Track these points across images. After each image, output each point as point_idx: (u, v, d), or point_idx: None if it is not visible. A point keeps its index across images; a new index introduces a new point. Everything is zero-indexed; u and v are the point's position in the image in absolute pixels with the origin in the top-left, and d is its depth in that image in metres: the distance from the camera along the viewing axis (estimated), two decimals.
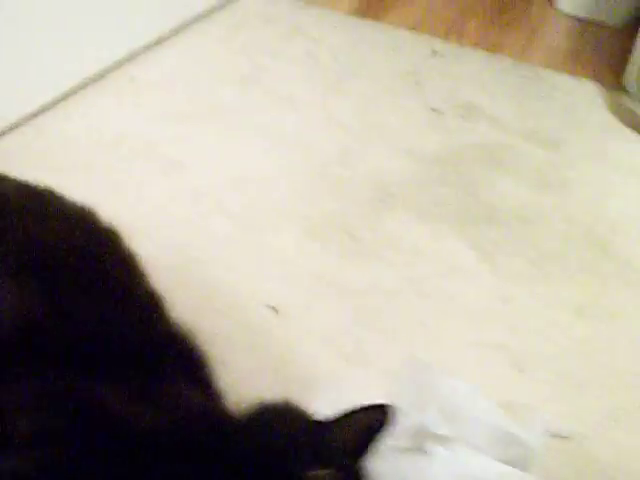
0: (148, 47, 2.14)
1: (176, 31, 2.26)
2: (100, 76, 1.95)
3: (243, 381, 0.95)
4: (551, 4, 2.83)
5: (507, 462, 0.98)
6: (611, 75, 2.37)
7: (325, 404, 0.89)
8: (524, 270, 1.52)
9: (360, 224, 1.57)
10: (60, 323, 0.81)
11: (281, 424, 0.78)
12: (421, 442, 0.97)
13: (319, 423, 0.80)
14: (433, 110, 2.12)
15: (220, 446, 0.73)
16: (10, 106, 1.69)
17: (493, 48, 2.47)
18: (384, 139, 1.95)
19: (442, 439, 0.97)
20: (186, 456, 0.70)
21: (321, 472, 0.73)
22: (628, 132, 2.09)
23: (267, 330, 1.25)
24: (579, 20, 2.77)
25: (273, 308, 1.28)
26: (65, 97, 1.83)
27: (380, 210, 1.63)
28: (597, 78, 2.36)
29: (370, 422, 0.82)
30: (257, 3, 2.56)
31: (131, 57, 2.08)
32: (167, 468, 0.69)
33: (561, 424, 1.11)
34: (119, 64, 2.02)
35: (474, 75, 2.34)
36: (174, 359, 0.86)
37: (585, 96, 2.28)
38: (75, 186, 1.07)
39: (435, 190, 1.74)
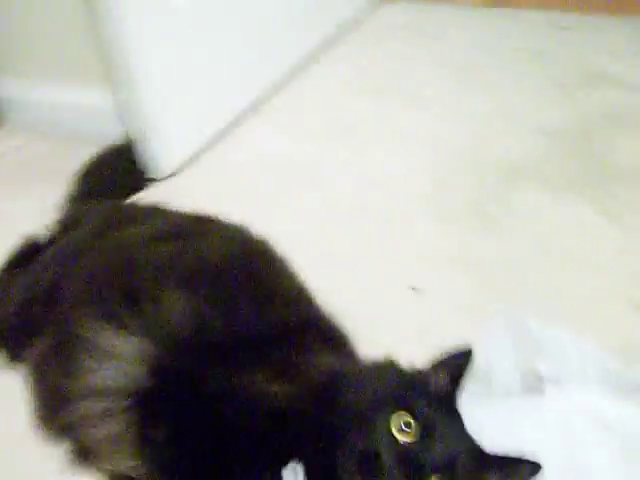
0: (290, 75, 2.43)
1: (311, 58, 2.52)
2: (252, 108, 2.25)
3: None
4: None
5: (620, 397, 1.00)
6: None
7: None
8: None
9: (491, 204, 1.67)
10: (225, 321, 0.97)
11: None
12: (531, 384, 1.04)
13: (419, 372, 0.92)
14: (560, 84, 2.18)
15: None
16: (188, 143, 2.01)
17: (621, 11, 2.47)
18: (512, 120, 2.04)
19: (552, 380, 1.03)
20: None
21: None
22: None
23: (409, 308, 1.37)
24: None
25: (414, 288, 1.41)
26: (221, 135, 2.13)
27: (510, 188, 1.72)
28: None
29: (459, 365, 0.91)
30: (380, 18, 2.76)
31: (276, 87, 2.36)
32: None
33: None
34: (269, 93, 2.32)
35: (601, 42, 2.34)
36: (316, 337, 1.00)
37: None
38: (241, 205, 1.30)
39: (562, 161, 1.80)
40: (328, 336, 1.05)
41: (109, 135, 1.95)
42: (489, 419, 0.97)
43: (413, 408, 0.81)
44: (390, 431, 0.79)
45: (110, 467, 0.94)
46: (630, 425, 0.97)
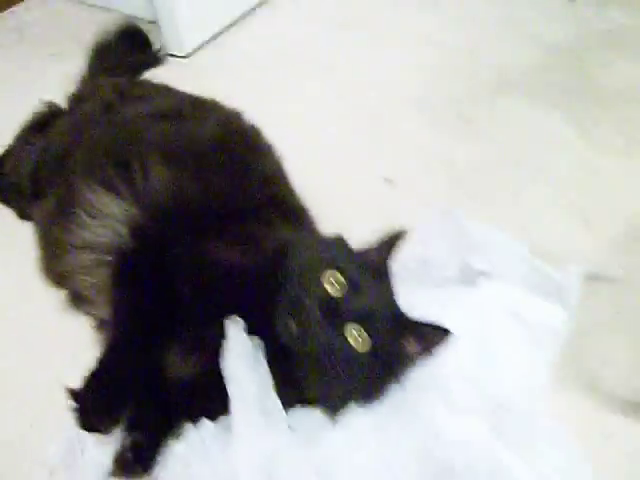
0: None
1: None
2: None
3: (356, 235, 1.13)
4: None
5: (541, 295, 1.13)
6: None
7: None
8: (619, 146, 1.65)
9: (475, 108, 1.78)
10: (202, 195, 1.08)
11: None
12: (467, 276, 1.17)
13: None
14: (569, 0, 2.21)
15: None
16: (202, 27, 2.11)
17: None
18: (515, 31, 2.09)
19: (484, 274, 1.16)
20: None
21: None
22: None
23: (379, 197, 1.51)
24: None
25: (387, 179, 1.55)
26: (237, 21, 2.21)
27: (495, 95, 1.81)
28: None
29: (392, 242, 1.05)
30: None
31: None
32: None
33: (610, 270, 1.27)
34: None
35: None
36: (280, 213, 1.12)
37: None
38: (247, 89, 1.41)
39: (552, 75, 1.88)
40: (292, 214, 1.18)
41: (135, 9, 2.10)
42: (424, 301, 1.10)
43: (345, 269, 0.95)
44: (321, 284, 0.92)
45: (98, 313, 1.10)
46: (540, 318, 1.11)
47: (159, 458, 0.97)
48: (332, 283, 0.93)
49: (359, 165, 1.61)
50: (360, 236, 1.08)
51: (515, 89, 1.84)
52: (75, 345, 1.13)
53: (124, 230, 1.05)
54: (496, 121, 1.75)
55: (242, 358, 0.92)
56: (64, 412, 0.91)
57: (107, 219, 1.07)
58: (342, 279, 0.94)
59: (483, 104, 1.80)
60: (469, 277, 1.19)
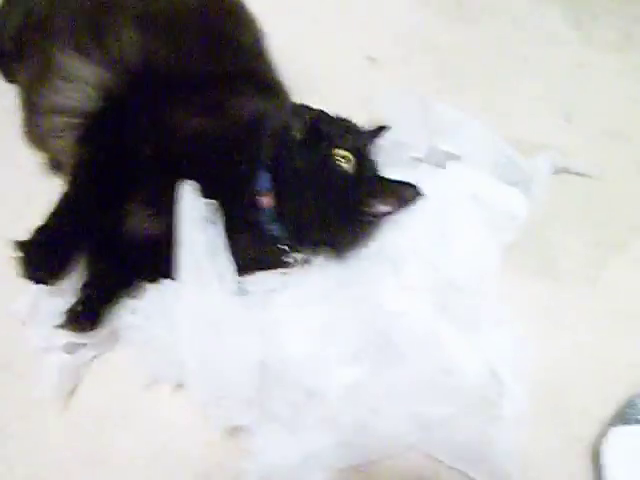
0: None
1: None
2: None
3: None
4: None
5: (507, 182, 1.15)
6: None
7: None
8: (614, 42, 1.61)
9: None
10: (174, 60, 1.08)
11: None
12: (435, 159, 1.18)
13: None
14: None
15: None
16: None
17: None
18: None
19: (451, 156, 1.17)
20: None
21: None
22: None
23: (360, 75, 1.49)
24: None
25: (370, 57, 1.52)
26: None
27: None
28: None
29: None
30: None
31: None
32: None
33: (584, 166, 1.29)
34: None
35: None
36: (252, 85, 1.12)
37: None
38: None
39: None
40: (265, 86, 1.18)
41: None
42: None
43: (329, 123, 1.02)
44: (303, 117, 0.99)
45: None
46: (500, 203, 1.13)
47: (111, 314, 1.02)
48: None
49: (343, 42, 1.58)
50: (336, 109, 1.08)
51: None
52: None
53: (95, 94, 1.06)
54: (490, 7, 1.70)
55: (192, 220, 0.95)
56: None
57: (78, 83, 1.07)
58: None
59: None
60: (438, 160, 1.20)
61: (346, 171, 0.99)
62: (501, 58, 1.57)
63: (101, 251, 1.01)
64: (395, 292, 0.99)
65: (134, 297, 1.04)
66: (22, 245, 0.94)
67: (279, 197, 1.01)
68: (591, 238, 1.22)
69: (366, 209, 1.03)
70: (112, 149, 1.02)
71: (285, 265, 1.09)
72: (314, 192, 0.99)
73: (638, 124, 1.44)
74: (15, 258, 0.92)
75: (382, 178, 1.06)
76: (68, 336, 0.98)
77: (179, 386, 0.99)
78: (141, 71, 1.07)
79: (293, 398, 0.92)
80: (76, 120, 1.06)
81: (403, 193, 1.05)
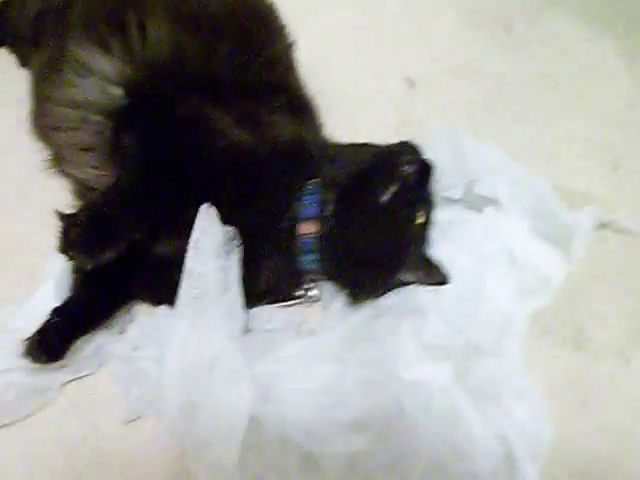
0: None
1: None
2: None
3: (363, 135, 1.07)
4: None
5: (545, 236, 1.06)
6: None
7: None
8: None
9: (519, 18, 1.60)
10: (204, 59, 1.03)
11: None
12: (472, 200, 1.10)
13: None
14: None
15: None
16: None
17: None
18: None
19: (488, 200, 1.08)
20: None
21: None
22: None
23: (396, 98, 1.40)
24: None
25: (408, 79, 1.43)
26: None
27: (543, 6, 1.63)
28: None
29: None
30: None
31: None
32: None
33: (627, 222, 1.17)
34: None
35: None
36: (285, 102, 1.07)
37: None
38: None
39: None
40: (297, 103, 1.12)
41: None
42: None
43: None
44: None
45: (77, 174, 1.06)
46: (537, 264, 1.03)
47: (90, 339, 0.95)
48: None
49: (379, 60, 1.49)
50: (368, 132, 1.04)
51: (566, 3, 1.65)
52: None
53: (118, 90, 1.01)
54: (541, 35, 1.59)
55: (206, 249, 0.89)
56: None
57: (95, 77, 1.02)
58: None
59: (528, 13, 1.63)
60: (474, 203, 1.11)
61: (417, 226, 0.95)
62: (547, 92, 1.46)
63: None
64: (412, 356, 0.90)
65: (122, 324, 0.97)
66: (69, 220, 0.90)
67: (331, 227, 0.94)
68: (627, 306, 1.11)
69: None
70: (152, 146, 0.96)
71: (295, 298, 1.03)
72: (382, 234, 0.93)
73: None
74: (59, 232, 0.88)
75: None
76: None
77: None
78: (168, 65, 1.02)
79: (285, 463, 0.83)
80: (91, 115, 1.01)
81: (433, 273, 0.98)
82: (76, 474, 0.87)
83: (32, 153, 1.14)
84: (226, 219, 0.92)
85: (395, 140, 0.99)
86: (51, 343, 0.90)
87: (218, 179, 0.94)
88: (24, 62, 1.35)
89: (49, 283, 0.98)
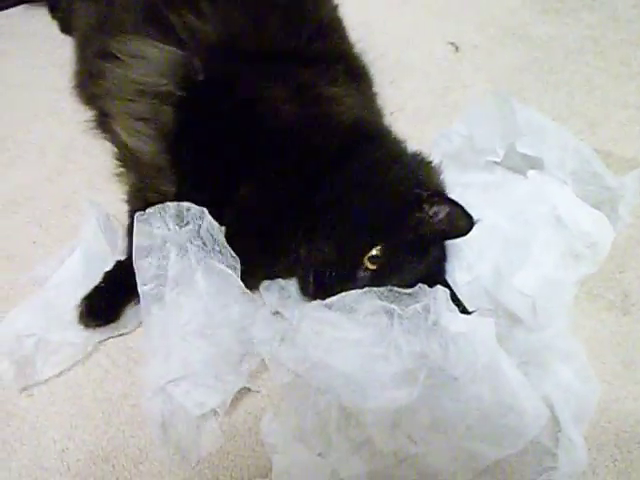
0: None
1: None
2: None
3: (409, 100, 1.12)
4: None
5: (590, 201, 1.02)
6: None
7: None
8: None
9: None
10: (257, 35, 1.02)
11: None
12: (513, 163, 1.06)
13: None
14: None
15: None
16: None
17: None
18: None
19: (533, 161, 1.05)
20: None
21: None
22: None
23: (442, 62, 1.39)
24: None
25: (453, 44, 1.42)
26: None
27: None
28: None
29: None
30: None
31: None
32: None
33: None
34: None
35: None
36: (342, 72, 1.04)
37: None
38: None
39: None
40: (355, 72, 1.10)
41: None
42: (466, 181, 1.06)
43: None
44: None
45: (127, 141, 1.03)
46: (585, 230, 0.99)
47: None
48: None
49: (425, 26, 1.48)
50: (412, 98, 1.03)
51: None
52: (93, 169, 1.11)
53: (172, 68, 1.01)
54: (587, 2, 1.57)
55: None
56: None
57: (153, 56, 1.02)
58: None
59: None
60: (516, 164, 1.08)
61: None
62: (595, 58, 1.43)
63: None
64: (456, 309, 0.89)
65: None
66: None
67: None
68: None
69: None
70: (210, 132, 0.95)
71: None
72: None
73: None
74: None
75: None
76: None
77: None
78: (221, 46, 1.01)
79: (326, 415, 0.83)
80: (153, 90, 1.01)
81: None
82: (115, 431, 0.86)
83: (75, 115, 1.16)
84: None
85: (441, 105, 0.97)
86: (100, 308, 0.91)
87: (256, 157, 0.93)
88: (66, 28, 1.39)
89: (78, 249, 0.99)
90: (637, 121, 1.29)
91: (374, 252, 0.88)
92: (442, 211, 0.89)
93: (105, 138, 1.14)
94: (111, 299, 0.93)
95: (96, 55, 1.09)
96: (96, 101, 1.12)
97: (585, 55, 1.43)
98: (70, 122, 1.22)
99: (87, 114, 1.17)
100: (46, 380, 0.90)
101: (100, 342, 0.94)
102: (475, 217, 0.88)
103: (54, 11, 1.50)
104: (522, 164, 1.08)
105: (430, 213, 0.90)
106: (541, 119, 1.06)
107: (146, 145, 1.00)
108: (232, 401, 0.86)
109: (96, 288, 0.92)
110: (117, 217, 1.05)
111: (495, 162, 1.09)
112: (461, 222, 0.89)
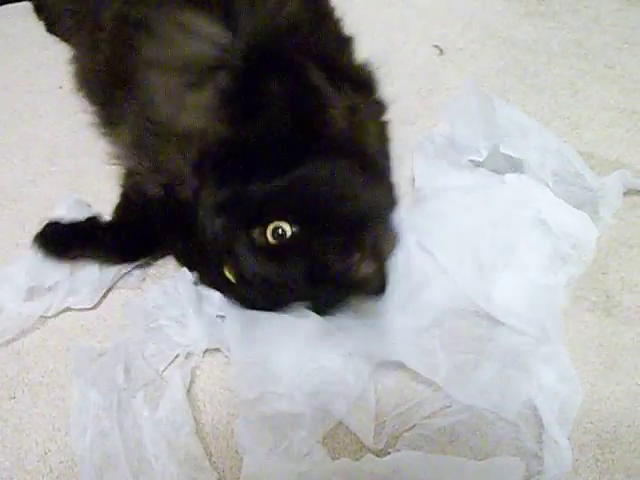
0: None
1: None
2: None
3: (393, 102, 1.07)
4: None
5: (571, 202, 1.02)
6: None
7: None
8: None
9: None
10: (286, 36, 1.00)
11: None
12: (496, 164, 1.07)
13: None
14: None
15: None
16: None
17: None
18: None
19: (513, 162, 1.06)
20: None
21: None
22: None
23: (426, 65, 1.40)
24: None
25: (438, 47, 1.43)
26: None
27: None
28: None
29: None
30: None
31: None
32: None
33: None
34: None
35: None
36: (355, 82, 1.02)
37: None
38: None
39: None
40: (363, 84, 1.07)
41: None
42: (447, 180, 1.06)
43: None
44: None
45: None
46: (569, 231, 0.99)
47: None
48: None
49: (409, 28, 1.49)
50: (395, 95, 1.04)
51: None
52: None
53: (212, 50, 0.96)
54: (570, 5, 1.57)
55: None
56: None
57: (200, 37, 0.98)
58: None
59: None
60: (498, 166, 1.08)
61: None
62: (579, 60, 1.43)
63: None
64: None
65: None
66: None
67: None
68: None
69: None
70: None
71: None
72: None
73: None
74: None
75: None
76: None
77: None
78: (262, 39, 0.97)
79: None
80: (198, 76, 0.95)
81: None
82: None
83: (60, 118, 1.17)
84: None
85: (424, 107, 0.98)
86: (57, 236, 0.94)
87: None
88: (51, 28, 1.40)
89: None
90: (620, 123, 1.29)
91: None
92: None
93: (109, 134, 1.09)
94: (70, 238, 0.95)
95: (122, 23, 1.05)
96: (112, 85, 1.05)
97: (569, 58, 1.44)
98: (54, 124, 1.22)
99: (77, 116, 1.18)
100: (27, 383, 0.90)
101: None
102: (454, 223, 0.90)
103: (40, 12, 1.48)
104: (505, 165, 1.08)
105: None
106: (523, 118, 1.08)
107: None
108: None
109: (63, 224, 0.96)
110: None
111: (478, 162, 1.10)
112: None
